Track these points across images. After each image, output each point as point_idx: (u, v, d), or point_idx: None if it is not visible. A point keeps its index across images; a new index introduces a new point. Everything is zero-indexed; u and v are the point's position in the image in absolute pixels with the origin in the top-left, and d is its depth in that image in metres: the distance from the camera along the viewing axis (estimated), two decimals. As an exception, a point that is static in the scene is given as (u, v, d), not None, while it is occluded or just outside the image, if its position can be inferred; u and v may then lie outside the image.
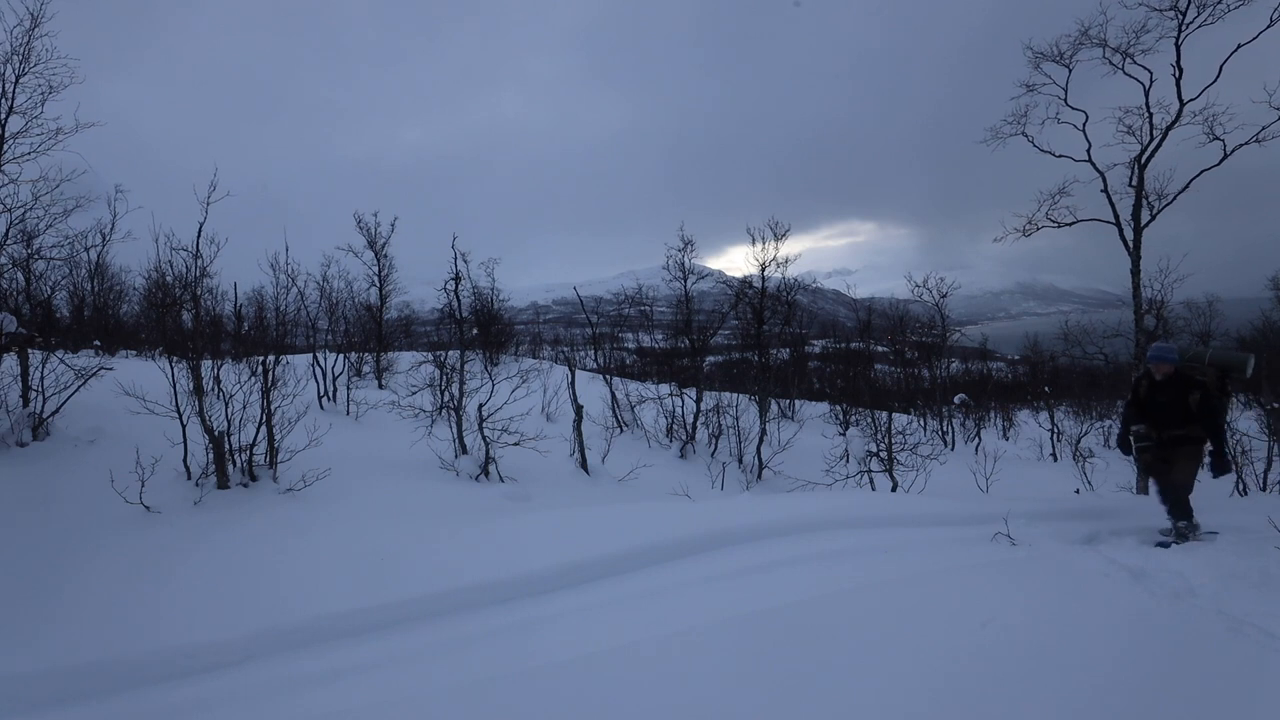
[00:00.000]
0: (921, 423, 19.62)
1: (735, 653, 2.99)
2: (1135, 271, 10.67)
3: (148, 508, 5.04)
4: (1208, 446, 5.06)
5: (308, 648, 3.37)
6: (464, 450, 8.00)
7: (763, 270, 13.98)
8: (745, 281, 14.77)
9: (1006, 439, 21.29)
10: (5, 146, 7.14)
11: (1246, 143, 9.74)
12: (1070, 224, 11.49)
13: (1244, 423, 13.77)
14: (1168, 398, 5.02)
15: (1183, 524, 4.84)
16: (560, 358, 20.61)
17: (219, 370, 6.72)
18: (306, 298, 12.56)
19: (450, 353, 9.78)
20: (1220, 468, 4.99)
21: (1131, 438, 5.23)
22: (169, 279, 6.94)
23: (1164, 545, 4.73)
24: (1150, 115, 10.34)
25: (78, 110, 7.32)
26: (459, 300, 10.10)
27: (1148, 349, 5.36)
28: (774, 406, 16.29)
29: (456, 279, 9.84)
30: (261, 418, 6.12)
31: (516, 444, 8.14)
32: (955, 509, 5.53)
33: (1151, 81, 10.32)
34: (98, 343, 13.52)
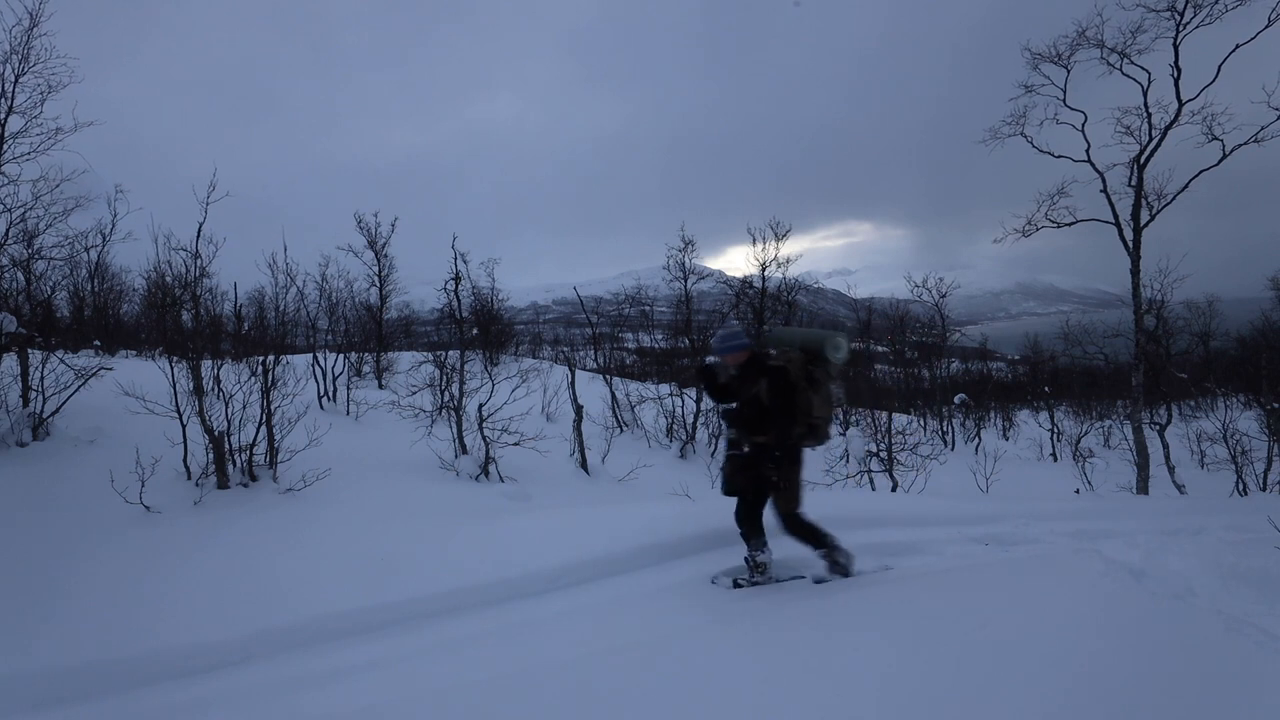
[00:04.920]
0: (921, 423, 19.64)
1: (736, 652, 2.99)
2: (1135, 271, 10.69)
3: (148, 508, 5.04)
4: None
5: (308, 648, 3.36)
6: (464, 450, 8.00)
7: (763, 270, 14.03)
8: (746, 281, 14.80)
9: (1006, 439, 21.31)
10: (5, 146, 7.14)
11: (1245, 143, 9.77)
12: (1070, 224, 11.52)
13: (1244, 423, 13.80)
14: (743, 394, 3.83)
15: (821, 552, 3.85)
16: (560, 358, 20.60)
17: (219, 370, 6.72)
18: (306, 298, 12.57)
19: (450, 353, 9.78)
20: (739, 460, 3.80)
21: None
22: (169, 279, 6.94)
23: (739, 583, 3.84)
24: (1149, 115, 10.38)
25: (76, 109, 7.33)
26: (459, 300, 10.11)
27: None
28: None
29: (456, 279, 9.85)
30: (261, 418, 6.11)
31: (516, 444, 8.14)
32: (954, 509, 5.53)
33: (1150, 82, 10.35)
34: (98, 343, 13.52)
